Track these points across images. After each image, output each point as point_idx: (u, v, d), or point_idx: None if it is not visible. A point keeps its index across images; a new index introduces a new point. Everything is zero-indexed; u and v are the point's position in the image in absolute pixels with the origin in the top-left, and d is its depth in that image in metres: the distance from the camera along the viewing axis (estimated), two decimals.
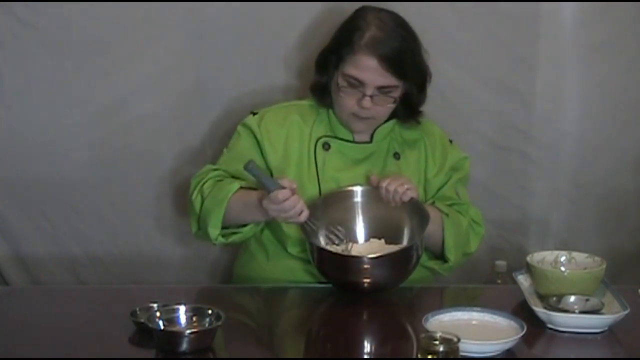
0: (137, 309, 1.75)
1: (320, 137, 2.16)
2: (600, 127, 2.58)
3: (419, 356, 1.48)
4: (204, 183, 2.09)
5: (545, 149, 2.58)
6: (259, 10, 2.46)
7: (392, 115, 2.17)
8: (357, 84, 2.07)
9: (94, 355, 1.66)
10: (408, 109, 2.17)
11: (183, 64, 2.49)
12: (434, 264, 2.14)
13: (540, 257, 1.95)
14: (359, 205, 2.07)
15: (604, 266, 1.89)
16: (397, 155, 2.18)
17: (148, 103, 2.49)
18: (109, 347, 1.69)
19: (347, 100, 2.09)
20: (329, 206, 2.05)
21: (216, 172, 2.12)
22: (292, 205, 1.91)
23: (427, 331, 1.59)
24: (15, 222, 2.55)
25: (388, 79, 2.06)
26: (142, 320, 1.70)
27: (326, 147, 2.15)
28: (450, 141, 2.25)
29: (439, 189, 2.19)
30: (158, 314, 1.68)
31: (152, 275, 2.58)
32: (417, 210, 2.02)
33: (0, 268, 2.58)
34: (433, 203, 2.16)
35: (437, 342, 1.47)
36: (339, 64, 2.09)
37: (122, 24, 2.44)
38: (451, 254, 2.09)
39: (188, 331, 1.63)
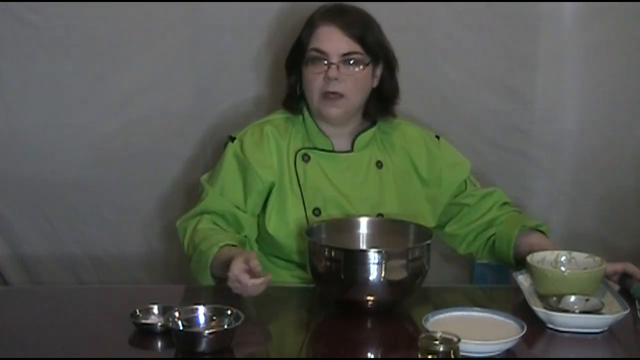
0: (137, 310, 1.75)
1: (299, 150, 2.13)
2: (600, 127, 2.58)
3: (419, 356, 1.48)
4: (191, 231, 2.06)
5: (545, 149, 2.58)
6: (260, 10, 2.46)
7: (366, 113, 2.16)
8: (321, 56, 2.07)
9: (94, 355, 1.66)
10: (380, 101, 2.16)
11: (183, 64, 2.49)
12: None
13: (540, 257, 1.95)
14: (364, 236, 2.04)
15: (604, 266, 1.89)
16: (379, 164, 2.16)
17: (148, 103, 2.50)
18: (109, 347, 1.69)
19: (315, 80, 2.08)
20: (333, 233, 2.01)
21: (201, 224, 2.07)
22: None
23: (427, 331, 1.59)
24: (15, 222, 2.55)
25: (350, 45, 2.07)
26: (142, 322, 1.71)
27: (305, 158, 2.13)
28: (438, 137, 2.25)
29: (458, 186, 2.20)
30: (177, 314, 1.67)
31: (151, 275, 2.58)
32: None
33: (0, 268, 2.58)
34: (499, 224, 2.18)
35: (437, 342, 1.47)
36: (304, 50, 2.10)
37: (122, 24, 2.44)
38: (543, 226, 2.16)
39: (207, 331, 1.63)
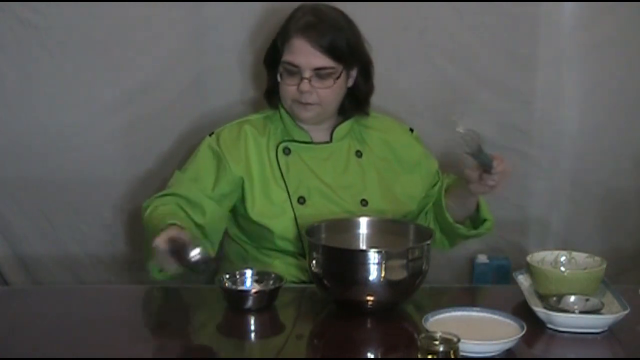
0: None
1: (279, 143, 2.17)
2: (600, 127, 2.58)
3: (419, 356, 1.48)
4: (152, 210, 2.08)
5: (545, 149, 2.58)
6: (261, 10, 2.47)
7: (341, 110, 2.19)
8: (294, 69, 2.10)
9: (94, 355, 1.66)
10: (355, 100, 2.19)
11: (183, 64, 2.49)
12: (476, 232, 2.21)
13: (540, 257, 1.95)
14: (364, 236, 2.05)
15: (604, 266, 1.89)
16: (358, 153, 2.20)
17: (148, 103, 2.50)
18: (109, 347, 1.69)
19: (288, 88, 2.12)
20: (333, 233, 2.01)
21: (164, 206, 2.08)
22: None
23: (427, 331, 1.59)
24: (15, 222, 2.55)
25: (322, 60, 2.09)
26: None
27: (287, 151, 2.17)
28: (412, 130, 2.29)
29: (433, 176, 2.26)
30: (228, 276, 1.93)
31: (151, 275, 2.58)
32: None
33: (0, 268, 2.58)
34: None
35: (437, 342, 1.47)
36: (279, 56, 2.13)
37: (122, 24, 2.44)
38: (488, 214, 2.20)
39: (253, 290, 1.88)
